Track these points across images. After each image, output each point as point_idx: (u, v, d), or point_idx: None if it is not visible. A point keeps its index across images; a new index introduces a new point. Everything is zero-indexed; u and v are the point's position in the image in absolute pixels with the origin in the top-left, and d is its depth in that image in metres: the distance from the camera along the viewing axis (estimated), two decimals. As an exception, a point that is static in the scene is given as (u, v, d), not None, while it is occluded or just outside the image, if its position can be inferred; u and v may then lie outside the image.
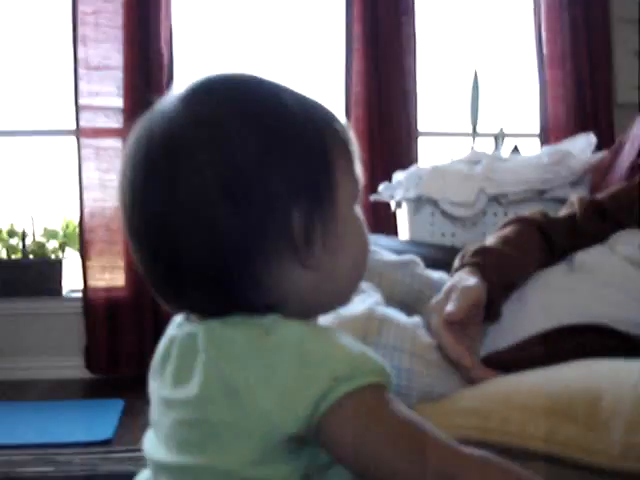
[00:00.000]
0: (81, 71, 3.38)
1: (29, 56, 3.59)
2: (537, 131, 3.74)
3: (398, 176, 2.38)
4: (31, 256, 3.51)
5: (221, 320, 0.67)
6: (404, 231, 2.36)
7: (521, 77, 3.79)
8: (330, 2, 3.63)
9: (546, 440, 0.84)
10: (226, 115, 0.66)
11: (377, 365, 0.65)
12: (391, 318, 1.05)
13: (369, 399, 0.63)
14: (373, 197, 2.45)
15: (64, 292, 3.52)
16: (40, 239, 3.54)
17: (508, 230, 1.28)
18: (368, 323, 1.02)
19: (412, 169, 2.35)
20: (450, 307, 1.07)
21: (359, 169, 0.72)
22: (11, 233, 3.53)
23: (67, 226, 3.57)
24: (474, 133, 3.20)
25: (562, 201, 1.62)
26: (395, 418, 0.63)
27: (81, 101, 3.38)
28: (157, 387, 0.72)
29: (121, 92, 3.37)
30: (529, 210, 1.38)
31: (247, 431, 0.63)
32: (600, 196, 1.39)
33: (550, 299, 1.18)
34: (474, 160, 2.29)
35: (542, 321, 1.14)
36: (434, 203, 2.22)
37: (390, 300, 1.19)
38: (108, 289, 3.41)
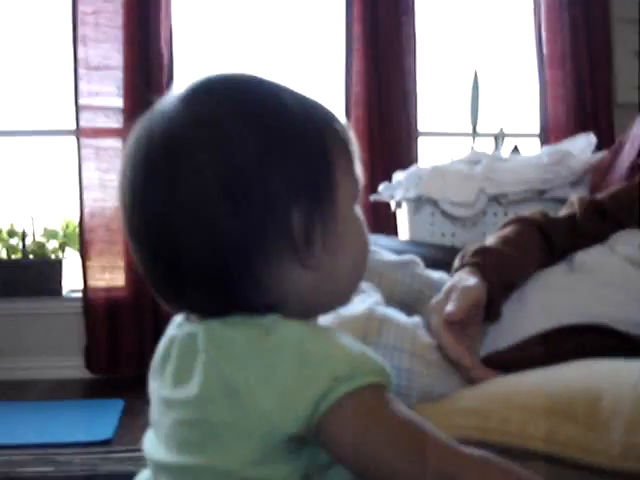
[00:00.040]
0: (81, 71, 3.38)
1: (29, 56, 3.60)
2: (537, 131, 3.74)
3: (398, 176, 2.38)
4: (31, 256, 3.51)
5: (221, 320, 0.67)
6: (404, 231, 2.36)
7: (521, 77, 3.79)
8: (330, 2, 3.63)
9: (546, 440, 0.84)
10: (226, 115, 0.66)
11: (377, 365, 0.65)
12: (391, 318, 1.05)
13: (369, 399, 0.63)
14: (373, 197, 2.45)
15: (64, 292, 3.52)
16: (40, 239, 3.54)
17: (508, 230, 1.28)
18: (368, 323, 1.02)
19: (412, 169, 2.35)
20: (450, 307, 1.07)
21: (359, 169, 0.72)
22: (11, 233, 3.53)
23: (67, 226, 3.57)
24: (474, 133, 3.20)
25: (562, 201, 1.62)
26: (395, 418, 0.63)
27: (81, 101, 3.38)
28: (157, 387, 0.72)
29: (121, 92, 3.37)
30: (529, 210, 1.39)
31: (247, 431, 0.63)
32: (600, 196, 1.39)
33: (550, 299, 1.18)
34: (474, 160, 2.29)
35: (542, 321, 1.14)
36: (434, 203, 2.22)
37: (390, 300, 1.19)
38: (108, 289, 3.41)
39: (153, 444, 0.72)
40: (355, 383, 0.62)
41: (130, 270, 3.33)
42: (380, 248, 1.37)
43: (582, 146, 2.28)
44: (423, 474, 0.61)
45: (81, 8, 3.37)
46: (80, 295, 3.45)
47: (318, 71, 3.64)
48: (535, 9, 3.70)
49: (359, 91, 3.48)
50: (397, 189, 2.32)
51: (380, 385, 0.64)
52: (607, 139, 3.09)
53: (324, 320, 0.74)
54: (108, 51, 3.39)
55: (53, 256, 3.55)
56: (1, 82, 3.60)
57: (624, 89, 3.69)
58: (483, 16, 3.79)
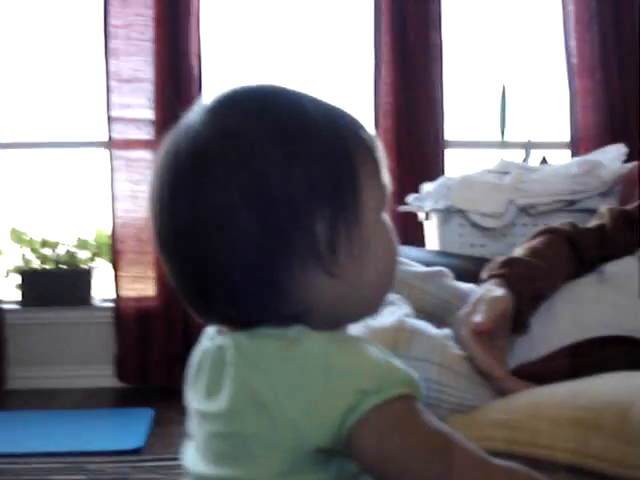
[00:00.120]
0: (113, 83, 3.41)
1: (62, 69, 3.64)
2: (567, 141, 3.71)
3: (427, 187, 2.38)
4: (63, 266, 3.55)
5: (248, 332, 0.67)
6: (433, 242, 2.36)
7: (550, 86, 3.77)
8: (359, 13, 3.64)
9: (575, 452, 0.83)
10: (249, 127, 0.66)
11: (406, 376, 0.64)
12: (421, 330, 1.05)
13: (398, 410, 0.63)
14: (402, 208, 2.45)
15: (95, 302, 3.55)
16: (72, 249, 3.58)
17: (537, 241, 1.28)
18: (398, 335, 1.02)
19: (441, 180, 2.35)
20: (478, 318, 1.07)
21: (386, 176, 0.71)
22: (44, 243, 3.57)
23: (99, 236, 3.61)
24: (503, 143, 3.19)
25: (592, 212, 1.61)
26: (424, 429, 0.63)
27: (113, 113, 3.41)
28: (192, 399, 0.73)
29: (152, 104, 3.40)
30: (558, 221, 1.38)
31: (276, 443, 0.63)
32: (630, 207, 1.38)
33: (580, 311, 1.18)
34: (503, 170, 2.29)
35: (572, 333, 1.13)
36: (463, 214, 2.22)
37: (419, 312, 1.19)
38: (139, 299, 3.42)
39: (193, 457, 0.72)
40: (383, 395, 0.62)
41: (160, 280, 3.35)
42: (409, 259, 1.37)
43: (612, 156, 2.26)
44: None
45: (112, 21, 3.41)
46: (111, 305, 3.47)
47: (347, 82, 3.65)
48: (564, 18, 3.68)
49: (388, 102, 3.48)
50: (426, 200, 2.32)
51: (409, 396, 0.64)
52: (638, 149, 3.06)
53: (354, 330, 0.74)
54: (139, 64, 3.43)
55: (85, 266, 3.58)
56: (35, 95, 3.65)
57: (655, 98, 3.65)
58: (511, 26, 3.78)
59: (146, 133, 3.41)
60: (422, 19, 3.49)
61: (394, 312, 1.08)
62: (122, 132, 3.41)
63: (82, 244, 3.59)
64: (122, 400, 3.31)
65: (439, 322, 1.18)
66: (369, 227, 0.68)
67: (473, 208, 2.17)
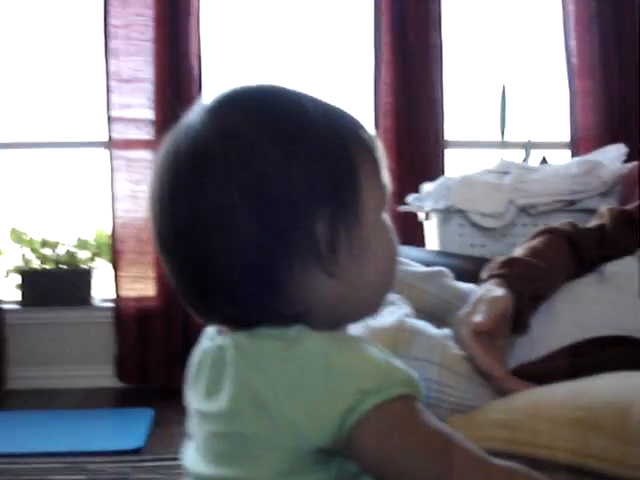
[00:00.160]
0: (112, 83, 3.41)
1: (62, 69, 3.64)
2: (567, 141, 3.71)
3: (427, 187, 2.38)
4: (63, 266, 3.55)
5: (248, 332, 0.67)
6: (433, 242, 2.36)
7: (550, 87, 3.77)
8: (359, 13, 3.64)
9: (576, 452, 0.83)
10: (249, 127, 0.66)
11: (406, 376, 0.64)
12: (421, 330, 1.05)
13: (398, 410, 0.63)
14: (402, 208, 2.45)
15: (95, 302, 3.55)
16: (72, 249, 3.58)
17: (537, 241, 1.28)
18: (398, 335, 1.02)
19: (441, 180, 2.35)
20: (478, 318, 1.07)
21: (386, 176, 0.71)
22: (44, 243, 3.57)
23: (99, 236, 3.61)
24: (503, 143, 3.19)
25: (592, 212, 1.61)
26: (424, 429, 0.63)
27: (112, 113, 3.42)
28: (192, 399, 0.73)
29: (152, 104, 3.40)
30: (558, 221, 1.38)
31: (276, 443, 0.64)
32: (630, 207, 1.38)
33: (579, 311, 1.18)
34: (503, 171, 2.29)
35: (572, 333, 1.13)
36: (463, 214, 2.22)
37: (419, 312, 1.19)
38: (138, 299, 3.43)
39: (193, 457, 0.72)
40: (383, 395, 0.62)
41: (160, 280, 3.35)
42: (409, 259, 1.37)
43: (612, 156, 2.26)
44: None
45: (112, 21, 3.41)
46: (111, 305, 3.47)
47: (347, 82, 3.65)
48: (564, 18, 3.69)
49: (388, 102, 3.48)
50: (426, 200, 2.32)
51: (409, 396, 0.64)
52: (638, 149, 3.06)
53: (354, 330, 0.74)
54: (139, 64, 3.43)
55: (85, 266, 3.58)
56: (35, 95, 3.65)
57: (655, 98, 3.65)
58: (511, 26, 3.78)
59: (146, 133, 3.41)
60: (422, 19, 3.49)
61: (394, 312, 1.08)
62: (122, 132, 3.41)
63: (82, 244, 3.59)
64: (122, 400, 3.31)
65: (439, 322, 1.18)
66: (369, 227, 0.68)
67: (473, 208, 2.17)
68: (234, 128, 0.66)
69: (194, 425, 0.72)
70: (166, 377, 3.35)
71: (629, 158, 2.30)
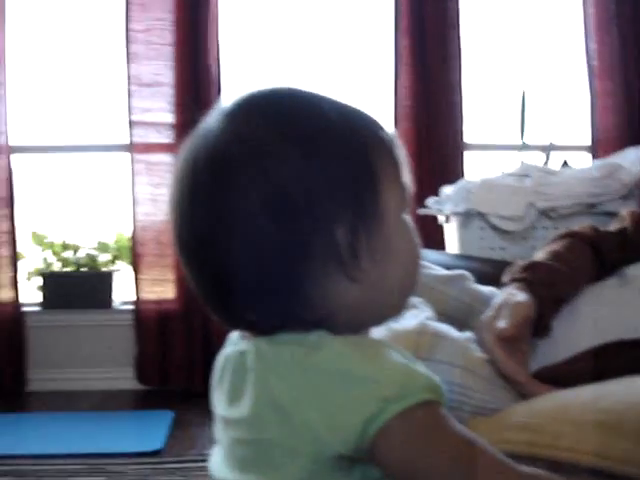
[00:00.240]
0: (133, 88, 3.43)
1: (84, 74, 3.66)
2: (588, 143, 3.69)
3: (446, 190, 2.38)
4: (84, 269, 3.57)
5: (269, 338, 0.67)
6: (453, 245, 2.35)
7: (571, 89, 3.76)
8: (378, 17, 3.65)
9: (598, 455, 0.83)
10: (267, 131, 0.66)
11: (429, 381, 0.64)
12: (443, 333, 1.05)
13: (421, 417, 0.62)
14: (421, 211, 2.45)
15: (115, 304, 3.57)
16: (93, 252, 3.60)
17: (558, 245, 1.28)
18: (420, 338, 1.02)
19: (461, 183, 2.35)
20: (502, 323, 1.07)
21: (407, 177, 0.70)
22: (65, 246, 3.60)
23: (119, 239, 3.63)
24: (523, 146, 3.18)
25: (613, 215, 1.60)
26: (448, 436, 0.63)
27: (133, 117, 3.44)
28: (216, 405, 0.73)
29: (172, 108, 3.42)
30: (579, 224, 1.38)
31: (297, 449, 0.63)
32: (652, 210, 1.37)
33: (602, 314, 1.17)
34: (523, 174, 2.28)
35: (594, 336, 1.13)
36: (483, 217, 2.21)
37: (440, 315, 1.19)
38: (158, 302, 3.44)
39: (218, 462, 0.72)
40: (405, 402, 0.61)
41: (180, 283, 3.37)
42: (430, 263, 1.37)
43: (633, 159, 2.25)
44: None
45: (133, 26, 3.43)
46: (131, 307, 3.49)
47: (367, 86, 3.65)
48: (585, 20, 3.67)
49: (407, 105, 3.48)
50: (446, 203, 2.32)
51: (432, 402, 0.63)
52: (659, 152, 3.04)
53: (376, 333, 0.73)
54: (159, 68, 3.45)
55: (105, 269, 3.60)
56: (57, 99, 3.68)
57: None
58: (531, 29, 3.77)
59: (166, 137, 3.43)
60: (441, 23, 3.49)
61: (416, 315, 1.08)
62: (142, 136, 3.43)
63: (103, 247, 3.62)
64: (142, 402, 3.32)
65: (460, 325, 1.17)
66: (391, 229, 0.68)
67: (493, 211, 2.17)
68: (252, 133, 0.66)
69: (219, 430, 0.72)
70: (186, 379, 3.36)
71: (650, 161, 2.28)
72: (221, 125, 0.67)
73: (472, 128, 3.59)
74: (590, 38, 3.63)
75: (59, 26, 3.67)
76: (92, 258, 3.59)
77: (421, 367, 0.65)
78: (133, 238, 3.45)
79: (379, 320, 0.72)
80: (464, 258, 1.97)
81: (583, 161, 3.44)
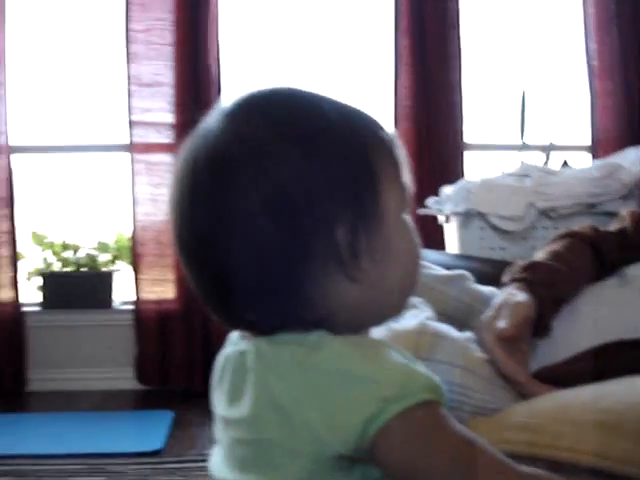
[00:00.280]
0: (133, 88, 3.44)
1: (84, 74, 3.67)
2: (587, 143, 3.69)
3: (446, 190, 2.38)
4: (84, 269, 3.58)
5: (269, 338, 0.67)
6: (453, 245, 2.36)
7: (570, 88, 3.76)
8: (378, 17, 3.65)
9: (598, 455, 0.83)
10: (266, 131, 0.66)
11: (428, 381, 0.64)
12: (443, 333, 1.05)
13: (421, 417, 0.62)
14: (421, 211, 2.45)
15: (115, 304, 3.57)
16: (93, 252, 3.60)
17: (558, 245, 1.28)
18: (420, 338, 1.03)
19: (461, 183, 2.35)
20: (502, 324, 1.07)
21: (407, 176, 0.70)
22: (65, 246, 3.60)
23: (119, 239, 3.63)
24: (523, 146, 3.18)
25: (613, 215, 1.60)
26: (448, 436, 0.63)
27: (133, 117, 3.44)
28: (216, 405, 0.73)
29: (172, 108, 3.42)
30: (579, 224, 1.38)
31: (296, 449, 0.63)
32: (652, 210, 1.37)
33: (601, 314, 1.18)
34: (523, 174, 2.28)
35: (593, 336, 1.13)
36: (483, 217, 2.21)
37: (440, 315, 1.19)
38: (158, 302, 3.44)
39: (218, 462, 0.72)
40: (405, 403, 0.61)
41: (180, 283, 3.37)
42: (429, 263, 1.37)
43: (633, 159, 2.25)
44: None
45: (133, 26, 3.44)
46: (131, 307, 3.49)
47: (366, 86, 3.66)
48: (585, 20, 3.67)
49: (407, 105, 3.48)
50: (446, 203, 2.32)
51: (432, 402, 0.63)
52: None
53: (376, 333, 0.73)
54: (159, 68, 3.45)
55: (105, 269, 3.60)
56: (57, 99, 3.68)
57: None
58: (531, 28, 3.77)
59: (166, 137, 3.43)
60: (441, 22, 3.49)
61: (416, 315, 1.08)
62: (142, 136, 3.43)
63: (102, 247, 3.62)
64: (142, 402, 3.33)
65: (460, 325, 1.18)
66: (391, 229, 0.68)
67: (493, 211, 2.17)
68: (252, 132, 0.66)
69: (219, 431, 0.72)
70: (186, 379, 3.36)
71: (650, 161, 2.28)
72: (221, 125, 0.67)
73: (472, 128, 3.59)
74: (590, 38, 3.63)
75: (59, 26, 3.68)
76: (92, 258, 3.59)
77: (421, 367, 0.65)
78: (133, 238, 3.46)
79: (379, 320, 0.72)
80: (464, 258, 1.98)
81: (583, 161, 3.44)
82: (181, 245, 0.69)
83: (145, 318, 3.44)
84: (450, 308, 1.27)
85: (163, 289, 3.44)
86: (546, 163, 2.95)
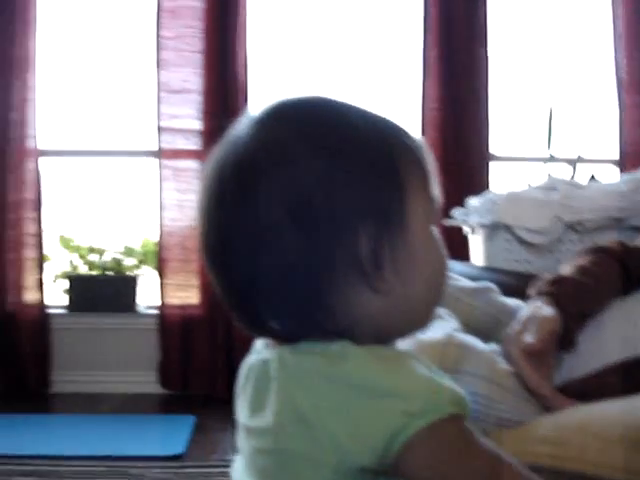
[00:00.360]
0: (162, 94, 3.46)
1: (114, 80, 3.70)
2: (616, 157, 3.67)
3: (472, 202, 2.38)
4: (110, 272, 3.60)
5: (292, 347, 0.67)
6: (478, 257, 2.35)
7: (599, 102, 3.74)
8: (407, 28, 3.65)
9: (624, 470, 0.83)
10: (292, 139, 0.66)
11: (453, 394, 0.63)
12: (470, 345, 1.06)
13: (445, 432, 0.62)
14: (447, 222, 2.44)
15: (140, 308, 3.59)
16: (119, 256, 3.63)
17: (585, 259, 1.27)
18: (446, 349, 1.03)
19: (487, 195, 2.34)
20: (529, 338, 1.07)
21: (435, 187, 0.69)
22: (91, 250, 3.63)
23: (145, 244, 3.65)
24: (550, 158, 3.16)
25: (640, 230, 1.60)
26: (474, 451, 0.63)
27: (162, 123, 3.46)
28: (239, 414, 0.73)
29: (200, 115, 3.44)
30: (606, 238, 1.37)
31: (319, 461, 0.63)
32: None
33: (627, 329, 1.17)
34: (550, 187, 2.27)
35: (619, 351, 1.13)
36: (509, 229, 2.21)
37: (466, 326, 1.19)
38: (183, 307, 3.45)
39: (239, 471, 0.72)
40: (429, 418, 0.61)
41: (205, 289, 3.38)
42: (455, 274, 1.37)
43: (661, 174, 2.24)
44: None
45: (163, 33, 3.46)
46: (155, 312, 3.51)
47: (394, 96, 3.66)
48: (615, 33, 3.66)
49: (434, 116, 3.48)
50: (472, 214, 2.31)
51: (457, 415, 0.62)
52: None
53: (403, 344, 0.72)
54: (188, 75, 3.47)
55: (130, 273, 3.63)
56: (86, 104, 3.72)
57: None
58: (559, 41, 3.76)
59: (194, 143, 3.45)
60: (469, 35, 3.49)
61: (443, 326, 1.08)
62: (170, 142, 3.46)
63: (128, 251, 3.64)
64: (164, 406, 3.34)
65: (485, 337, 1.17)
66: (417, 241, 0.67)
67: (519, 224, 2.16)
68: (280, 141, 0.66)
69: (241, 439, 0.72)
70: (208, 385, 3.37)
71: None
72: (250, 132, 0.68)
73: (499, 139, 3.58)
74: (619, 51, 3.61)
75: (90, 32, 3.71)
76: (118, 262, 3.61)
77: (446, 379, 0.65)
78: (159, 243, 3.48)
79: (405, 332, 0.71)
80: (489, 270, 1.97)
81: (611, 175, 3.42)
82: (207, 250, 0.70)
83: (169, 323, 3.45)
84: (475, 320, 1.27)
85: (187, 294, 3.45)
86: (573, 176, 2.93)
